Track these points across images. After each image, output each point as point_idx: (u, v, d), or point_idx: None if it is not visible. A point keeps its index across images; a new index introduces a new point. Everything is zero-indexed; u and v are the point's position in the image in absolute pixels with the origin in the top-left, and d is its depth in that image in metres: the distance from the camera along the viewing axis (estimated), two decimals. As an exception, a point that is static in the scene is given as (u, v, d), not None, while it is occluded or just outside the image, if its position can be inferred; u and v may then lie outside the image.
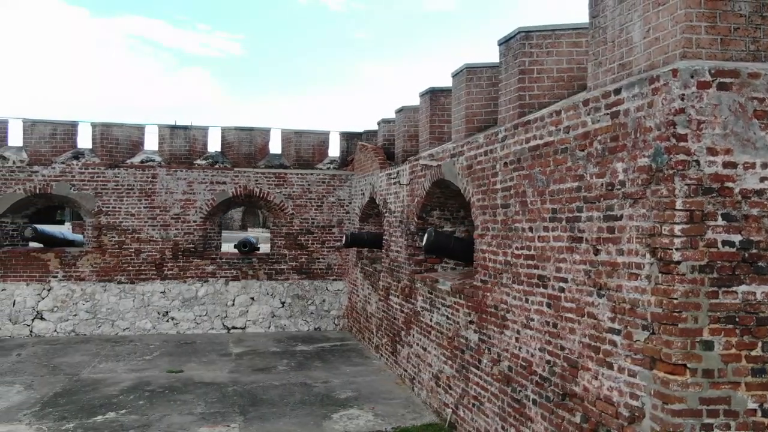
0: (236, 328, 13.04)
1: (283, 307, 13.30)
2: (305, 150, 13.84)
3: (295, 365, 10.29)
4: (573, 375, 4.99)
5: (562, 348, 5.15)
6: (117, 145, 12.95)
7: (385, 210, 10.77)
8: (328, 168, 13.93)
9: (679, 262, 3.91)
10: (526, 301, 5.77)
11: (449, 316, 7.68)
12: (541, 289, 5.52)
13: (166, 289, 12.84)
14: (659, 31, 4.52)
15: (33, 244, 13.34)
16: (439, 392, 7.88)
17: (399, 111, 11.12)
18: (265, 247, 14.91)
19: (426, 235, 8.02)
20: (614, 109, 4.55)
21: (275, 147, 14.20)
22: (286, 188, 13.43)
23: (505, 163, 6.23)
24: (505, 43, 7.00)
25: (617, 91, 4.53)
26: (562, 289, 5.19)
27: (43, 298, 12.35)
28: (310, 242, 13.53)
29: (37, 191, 12.41)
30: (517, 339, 5.94)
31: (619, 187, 4.46)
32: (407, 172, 9.51)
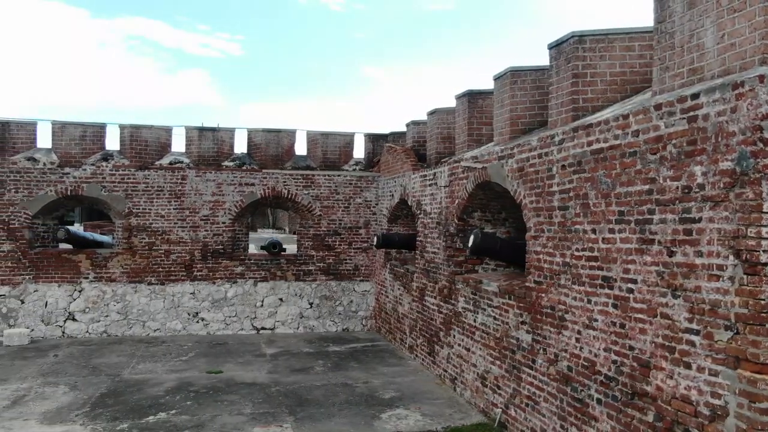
0: (265, 328, 13.11)
1: (311, 307, 13.38)
2: (332, 151, 13.92)
3: (331, 366, 10.37)
4: (644, 375, 5.07)
5: (631, 348, 5.24)
6: (146, 146, 13.02)
7: (419, 211, 10.85)
8: (354, 169, 14.00)
9: (766, 264, 4.00)
10: (588, 302, 5.86)
11: (496, 316, 7.76)
12: (606, 290, 5.60)
13: (196, 290, 12.91)
14: (735, 37, 4.61)
15: (62, 246, 13.39)
16: (485, 392, 7.96)
17: (431, 113, 11.21)
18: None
19: (472, 237, 8.10)
20: (692, 113, 4.63)
21: (300, 148, 14.31)
22: (313, 190, 13.51)
23: (563, 166, 6.31)
24: (556, 46, 7.09)
25: (695, 96, 4.61)
26: (630, 290, 5.28)
27: (74, 299, 12.41)
28: (337, 243, 13.60)
29: (69, 193, 12.48)
30: (577, 339, 6.02)
31: (697, 190, 4.54)
32: (446, 174, 9.59)
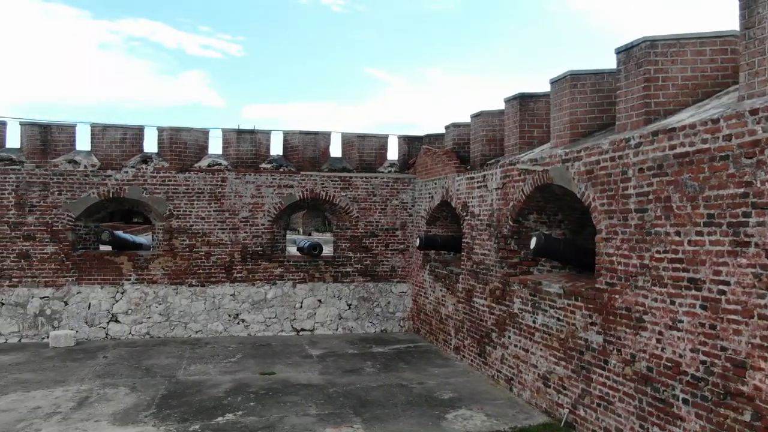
0: (305, 330, 13.18)
1: (349, 309, 13.45)
2: (368, 153, 14.00)
3: (380, 367, 10.45)
4: (739, 375, 5.15)
5: (723, 349, 5.32)
6: (185, 149, 13.09)
7: (465, 213, 10.93)
8: (390, 171, 14.08)
9: None
10: (672, 303, 5.94)
11: (560, 318, 7.84)
12: (693, 292, 5.68)
13: (236, 292, 12.98)
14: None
15: (103, 248, 13.46)
16: (548, 393, 8.03)
17: (476, 116, 11.29)
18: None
19: (535, 239, 8.18)
20: (795, 118, 4.72)
21: (334, 150, 14.38)
22: (351, 191, 13.58)
23: (641, 169, 6.39)
24: (625, 51, 7.17)
25: (798, 101, 4.70)
26: (722, 292, 5.36)
27: (117, 301, 12.48)
28: (374, 245, 13.68)
29: (111, 195, 12.55)
30: (658, 340, 6.11)
31: (801, 193, 4.63)
32: (498, 177, 9.68)
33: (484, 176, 10.22)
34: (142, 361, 10.58)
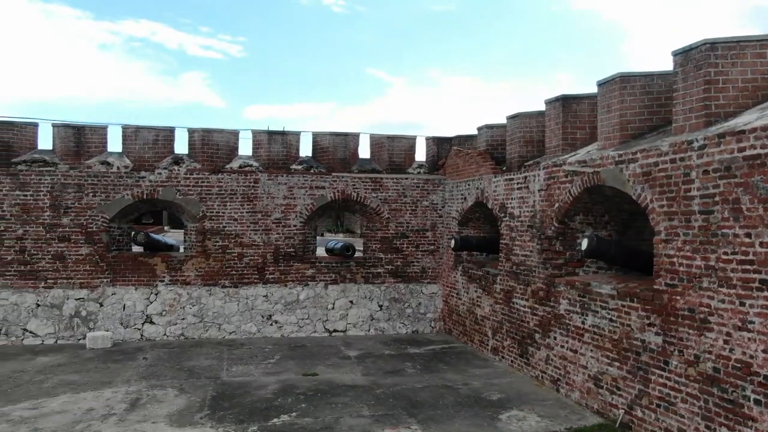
0: (337, 331, 13.20)
1: (381, 310, 13.48)
2: (397, 155, 14.03)
3: (421, 368, 10.47)
4: (818, 376, 5.19)
5: (801, 350, 5.35)
6: (217, 150, 13.11)
7: (503, 214, 10.95)
8: (419, 172, 14.11)
9: None
10: (741, 304, 5.97)
11: (613, 318, 7.86)
12: (766, 293, 5.72)
13: (269, 293, 13.00)
14: None
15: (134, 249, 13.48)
16: (600, 393, 8.06)
17: (513, 117, 11.31)
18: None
19: (587, 240, 8.21)
20: None
21: (362, 152, 14.40)
22: (381, 193, 13.61)
23: (705, 171, 6.42)
24: (683, 53, 7.20)
25: None
26: (799, 293, 5.40)
27: (151, 302, 12.49)
28: (405, 246, 13.71)
29: (144, 196, 12.57)
30: (726, 341, 6.14)
31: None
32: (541, 178, 9.71)
33: (525, 177, 10.24)
34: (182, 362, 10.60)
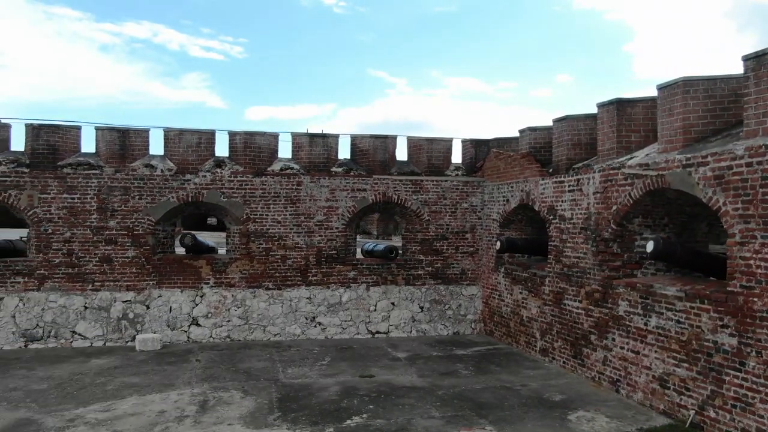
0: (380, 332, 13.28)
1: (422, 311, 13.56)
2: (436, 157, 14.11)
3: (473, 369, 10.56)
4: None
5: None
6: (259, 153, 13.18)
7: (551, 216, 11.04)
8: (456, 174, 14.19)
9: None
10: (828, 306, 6.06)
11: (681, 320, 7.95)
12: None
13: (312, 295, 13.08)
14: None
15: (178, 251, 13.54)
16: (667, 394, 8.14)
17: (560, 120, 11.40)
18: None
19: (653, 243, 8.30)
20: None
21: (400, 154, 14.48)
22: (422, 195, 13.69)
23: (787, 175, 6.51)
24: (755, 58, 7.28)
25: None
26: None
27: (197, 305, 12.56)
28: (444, 248, 13.79)
29: (189, 199, 12.64)
30: (810, 342, 6.23)
31: None
32: (597, 181, 9.79)
33: (578, 180, 10.33)
34: (236, 364, 10.67)
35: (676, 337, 8.03)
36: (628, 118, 9.79)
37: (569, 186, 10.60)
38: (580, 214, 10.24)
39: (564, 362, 10.58)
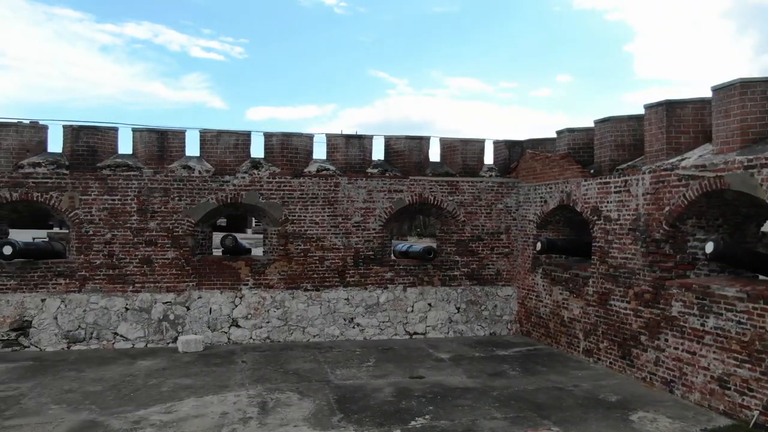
0: (417, 333, 13.30)
1: (458, 312, 13.58)
2: (470, 158, 14.13)
3: (520, 370, 10.58)
4: None
5: None
6: (296, 154, 13.19)
7: (595, 217, 11.06)
8: (490, 176, 14.21)
9: None
10: None
11: (742, 321, 7.97)
12: None
13: (349, 296, 13.09)
14: None
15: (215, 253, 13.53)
16: (727, 395, 8.17)
17: (603, 121, 11.43)
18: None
19: (713, 244, 8.33)
20: None
21: (432, 155, 14.49)
22: (457, 196, 13.71)
23: None
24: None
25: None
26: None
27: (236, 306, 12.57)
28: (480, 249, 13.82)
29: (228, 201, 12.64)
30: None
31: None
32: (647, 182, 9.82)
33: (625, 182, 10.36)
34: (282, 365, 10.67)
35: (737, 338, 8.06)
36: (677, 119, 9.82)
37: (615, 187, 10.62)
38: (628, 215, 10.27)
39: (611, 363, 10.61)
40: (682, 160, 9.34)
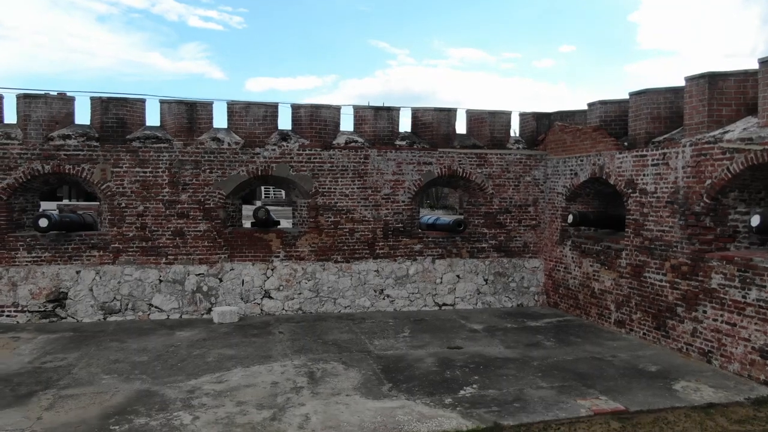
0: (446, 305, 13.43)
1: (486, 284, 13.69)
2: (498, 130, 14.08)
3: (555, 340, 10.72)
4: None
5: None
6: (325, 126, 13.13)
7: (630, 190, 11.08)
8: (518, 148, 14.18)
9: None
10: None
11: (787, 293, 8.07)
12: None
13: (379, 268, 13.17)
14: None
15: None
16: (769, 365, 8.31)
17: (638, 93, 11.36)
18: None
19: (759, 217, 8.38)
20: None
21: (459, 127, 14.44)
22: (486, 168, 13.70)
23: None
24: None
25: None
26: None
27: (268, 278, 12.66)
28: (508, 221, 13.86)
29: (259, 173, 12.63)
30: None
31: None
32: (687, 155, 9.81)
33: (664, 154, 10.35)
34: (320, 336, 10.81)
35: (781, 310, 8.16)
36: (719, 91, 9.75)
37: (653, 160, 10.61)
38: (666, 188, 10.29)
39: (644, 334, 10.75)
40: (725, 132, 9.32)
